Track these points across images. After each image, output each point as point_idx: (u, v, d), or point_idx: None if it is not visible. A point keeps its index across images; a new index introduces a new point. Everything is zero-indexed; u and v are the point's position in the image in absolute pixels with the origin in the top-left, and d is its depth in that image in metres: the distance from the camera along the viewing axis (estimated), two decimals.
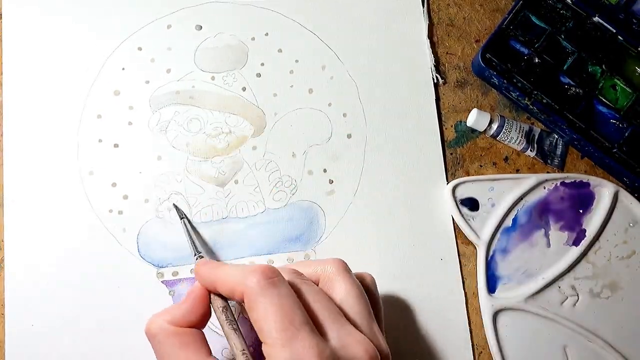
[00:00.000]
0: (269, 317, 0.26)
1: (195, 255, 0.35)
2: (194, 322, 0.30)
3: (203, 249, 0.37)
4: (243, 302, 0.28)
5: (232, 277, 0.29)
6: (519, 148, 0.41)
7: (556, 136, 0.41)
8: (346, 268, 0.31)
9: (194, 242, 0.36)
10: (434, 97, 0.41)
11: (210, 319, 0.37)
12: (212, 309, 0.31)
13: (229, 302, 0.31)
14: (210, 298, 0.31)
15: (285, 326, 0.26)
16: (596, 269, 0.40)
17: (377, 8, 0.42)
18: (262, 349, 0.27)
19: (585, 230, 0.40)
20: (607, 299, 0.39)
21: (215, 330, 0.38)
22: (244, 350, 0.28)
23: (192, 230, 0.38)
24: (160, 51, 0.41)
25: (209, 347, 0.30)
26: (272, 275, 0.28)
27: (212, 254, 0.39)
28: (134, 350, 0.37)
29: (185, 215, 0.38)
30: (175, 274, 0.38)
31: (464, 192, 0.40)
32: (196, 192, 0.39)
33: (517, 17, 0.41)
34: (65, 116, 0.40)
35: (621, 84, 0.40)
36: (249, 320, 0.38)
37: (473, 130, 0.41)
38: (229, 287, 0.29)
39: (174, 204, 0.39)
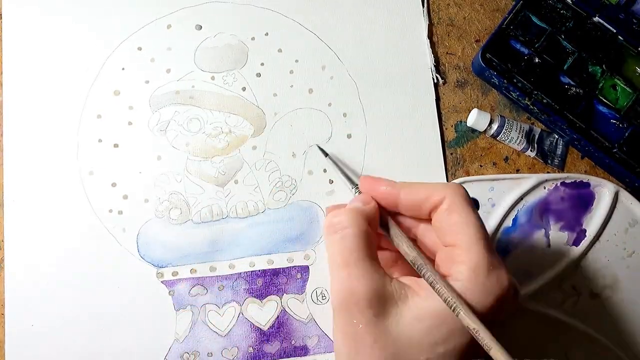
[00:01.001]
0: (471, 224, 0.28)
1: (352, 187, 0.35)
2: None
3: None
4: (428, 215, 0.30)
5: (427, 188, 0.30)
6: (519, 148, 0.41)
7: (556, 136, 0.41)
8: None
9: (346, 174, 0.37)
10: (434, 97, 0.41)
11: (207, 322, 0.37)
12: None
13: None
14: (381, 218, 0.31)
15: (484, 236, 0.28)
16: (596, 269, 0.40)
17: (377, 8, 0.42)
18: (452, 252, 0.28)
19: (585, 231, 0.40)
20: (607, 299, 0.39)
21: (215, 330, 0.38)
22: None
23: (340, 163, 0.39)
24: (160, 51, 0.41)
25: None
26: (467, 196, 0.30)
27: (213, 253, 0.39)
28: (134, 349, 0.37)
29: (328, 154, 0.39)
30: (175, 274, 0.38)
31: None
32: (196, 192, 0.39)
33: (517, 17, 0.41)
34: (65, 116, 0.40)
35: (621, 84, 0.40)
36: (249, 321, 0.38)
37: (473, 130, 0.41)
38: (424, 195, 0.30)
39: (316, 145, 0.39)
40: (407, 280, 0.29)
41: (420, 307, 0.27)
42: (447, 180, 0.40)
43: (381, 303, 0.27)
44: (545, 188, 0.40)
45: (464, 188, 0.30)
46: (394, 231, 0.31)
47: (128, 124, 0.40)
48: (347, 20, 0.42)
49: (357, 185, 0.34)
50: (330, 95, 0.41)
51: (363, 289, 0.27)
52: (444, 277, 0.28)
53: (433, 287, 0.27)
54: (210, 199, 0.39)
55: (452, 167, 0.41)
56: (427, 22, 0.42)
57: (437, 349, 0.27)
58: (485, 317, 0.26)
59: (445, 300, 0.27)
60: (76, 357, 0.37)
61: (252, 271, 0.39)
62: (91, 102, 0.40)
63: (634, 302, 0.39)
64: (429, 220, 0.31)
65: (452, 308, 0.26)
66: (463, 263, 0.28)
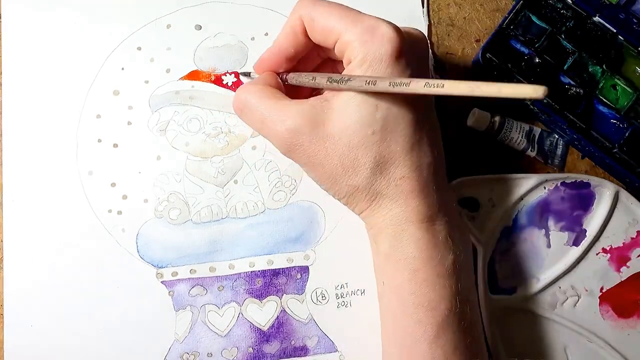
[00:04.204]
0: (333, 11, 0.30)
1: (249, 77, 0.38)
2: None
3: None
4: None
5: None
6: (520, 148, 0.41)
7: (557, 136, 0.41)
8: None
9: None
10: (434, 98, 0.41)
11: (207, 323, 0.37)
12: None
13: None
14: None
15: (348, 11, 0.31)
16: (597, 269, 0.40)
17: (377, 8, 0.42)
18: (336, 48, 0.31)
19: (585, 231, 0.40)
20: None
21: (215, 330, 0.38)
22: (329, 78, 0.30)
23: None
24: (159, 51, 0.41)
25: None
26: None
27: (213, 253, 0.39)
28: (134, 349, 0.37)
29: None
30: (174, 274, 0.38)
31: (464, 192, 0.40)
32: (196, 192, 0.39)
33: (517, 17, 0.41)
34: (65, 116, 0.40)
35: (621, 84, 0.40)
36: (249, 321, 0.38)
37: (473, 131, 0.41)
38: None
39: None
40: (321, 95, 0.32)
41: (342, 98, 0.30)
42: (447, 181, 0.40)
43: (311, 121, 0.30)
44: (545, 188, 0.40)
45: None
46: (292, 75, 0.34)
47: (127, 124, 0.40)
48: None
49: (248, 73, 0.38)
50: None
51: (291, 124, 0.30)
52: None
53: (348, 83, 0.29)
54: (209, 199, 0.39)
55: (452, 167, 0.41)
56: (428, 23, 0.42)
57: (377, 116, 0.30)
58: (403, 65, 0.30)
59: (365, 83, 0.28)
60: (76, 358, 0.37)
61: (251, 271, 0.39)
62: (90, 102, 0.40)
63: (634, 302, 0.40)
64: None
65: (372, 83, 0.28)
66: (350, 44, 0.30)
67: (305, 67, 0.36)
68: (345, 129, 0.30)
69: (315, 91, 0.35)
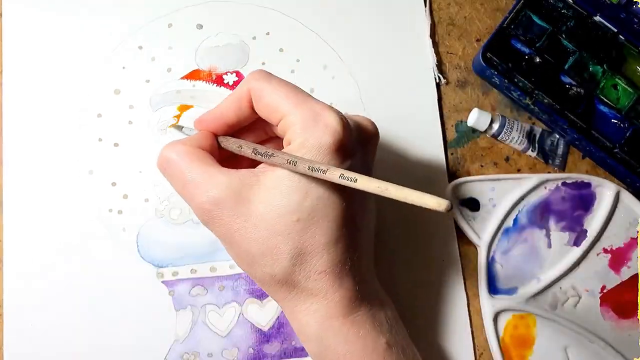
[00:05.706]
0: (281, 90, 0.29)
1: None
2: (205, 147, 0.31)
3: None
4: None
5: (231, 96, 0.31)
6: (520, 148, 0.41)
7: (557, 136, 0.41)
8: None
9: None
10: (436, 97, 0.41)
11: (207, 323, 0.37)
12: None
13: None
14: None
15: (297, 92, 0.29)
16: (597, 269, 0.40)
17: (379, 7, 0.42)
18: (279, 126, 0.29)
19: (586, 231, 0.40)
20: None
21: (215, 331, 0.38)
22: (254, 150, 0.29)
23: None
24: (161, 50, 0.41)
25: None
26: (266, 72, 0.30)
27: (213, 253, 0.39)
28: (134, 349, 0.37)
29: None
30: (175, 274, 0.38)
31: (465, 192, 0.40)
32: None
33: (518, 17, 0.41)
34: (65, 115, 0.39)
35: (622, 84, 0.40)
36: (249, 321, 0.38)
37: (474, 130, 0.41)
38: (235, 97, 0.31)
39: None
40: (254, 169, 0.30)
41: (272, 178, 0.28)
42: (448, 181, 0.40)
43: (236, 196, 0.28)
44: (546, 188, 0.40)
45: (257, 71, 0.30)
46: (226, 140, 0.32)
47: (128, 123, 0.40)
48: (348, 20, 0.42)
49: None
50: (332, 95, 0.41)
51: (214, 195, 0.28)
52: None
53: (271, 158, 0.28)
54: None
55: (453, 167, 0.41)
56: (430, 22, 0.42)
57: (304, 204, 0.28)
58: (341, 157, 0.28)
59: (286, 162, 0.27)
60: (76, 357, 0.37)
61: None
62: (91, 100, 0.40)
63: (634, 303, 0.40)
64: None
65: (293, 163, 0.27)
66: (292, 126, 0.28)
67: (249, 140, 0.33)
68: (270, 212, 0.28)
69: (256, 163, 0.31)
